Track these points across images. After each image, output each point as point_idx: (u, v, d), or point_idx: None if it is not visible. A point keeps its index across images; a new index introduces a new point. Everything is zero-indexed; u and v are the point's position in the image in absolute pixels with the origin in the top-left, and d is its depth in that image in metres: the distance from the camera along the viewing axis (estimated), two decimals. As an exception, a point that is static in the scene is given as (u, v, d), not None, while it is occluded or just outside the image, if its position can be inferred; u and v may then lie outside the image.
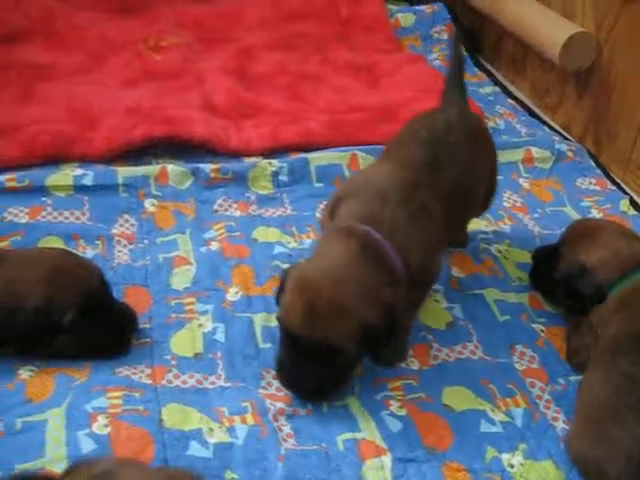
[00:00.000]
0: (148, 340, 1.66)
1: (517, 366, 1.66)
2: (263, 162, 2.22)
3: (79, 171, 2.12)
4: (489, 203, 1.95)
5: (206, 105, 2.47)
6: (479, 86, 2.88)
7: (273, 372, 1.56)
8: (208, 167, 2.17)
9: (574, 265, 1.71)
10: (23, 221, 1.95)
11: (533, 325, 1.78)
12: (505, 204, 2.20)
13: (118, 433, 1.40)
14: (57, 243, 1.88)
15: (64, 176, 2.09)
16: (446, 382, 1.60)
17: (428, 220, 1.57)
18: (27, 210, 1.99)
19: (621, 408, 1.42)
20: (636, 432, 1.37)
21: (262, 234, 1.99)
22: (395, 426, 1.49)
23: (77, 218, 1.99)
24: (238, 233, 1.98)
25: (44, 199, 2.03)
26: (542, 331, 1.76)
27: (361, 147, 2.29)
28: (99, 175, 2.10)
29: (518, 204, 2.21)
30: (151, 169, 2.15)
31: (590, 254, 1.70)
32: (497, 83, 2.94)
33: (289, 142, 2.34)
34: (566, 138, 2.57)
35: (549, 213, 2.19)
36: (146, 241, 1.95)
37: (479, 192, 1.81)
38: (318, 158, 2.25)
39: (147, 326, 1.69)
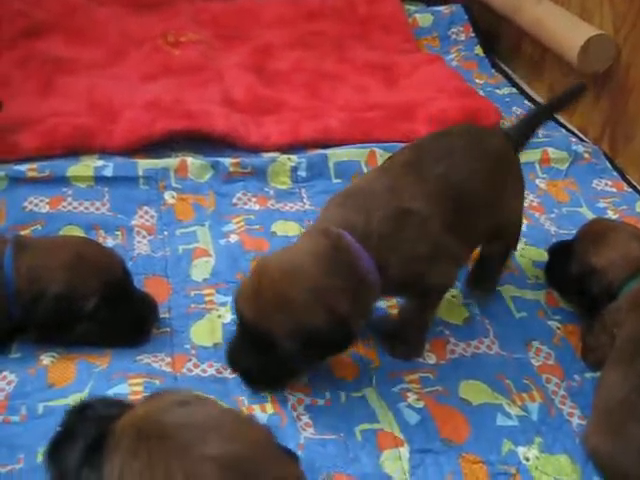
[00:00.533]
0: (168, 329, 1.67)
1: (533, 362, 1.67)
2: (282, 157, 2.24)
3: (100, 162, 2.14)
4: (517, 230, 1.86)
5: (225, 100, 2.49)
6: (496, 87, 2.88)
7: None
8: (227, 161, 2.19)
9: (585, 264, 1.74)
10: (44, 211, 1.98)
11: (549, 322, 1.79)
12: (522, 203, 2.20)
13: (139, 419, 1.42)
14: (77, 233, 1.90)
15: (85, 167, 2.11)
16: (462, 376, 1.61)
17: (412, 225, 1.52)
18: (48, 200, 2.01)
19: (639, 406, 1.43)
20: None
21: (281, 228, 2.00)
22: (412, 418, 1.50)
23: (97, 209, 2.01)
24: (257, 226, 2.00)
25: (65, 189, 2.05)
26: (558, 328, 1.77)
27: (380, 144, 2.30)
28: (119, 167, 2.12)
29: (535, 204, 2.22)
30: (171, 162, 2.17)
31: (600, 255, 1.72)
32: (514, 85, 2.94)
33: (308, 138, 2.36)
34: (583, 140, 2.58)
35: (565, 213, 2.20)
36: (166, 232, 1.96)
37: (494, 204, 1.68)
38: (337, 154, 2.26)
39: (167, 316, 1.70)
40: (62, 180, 2.07)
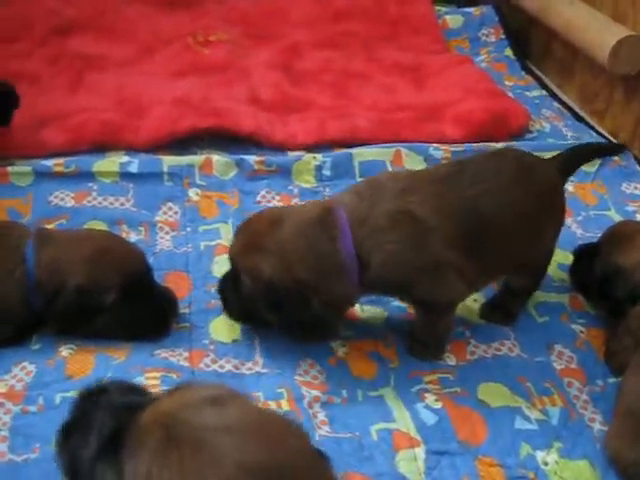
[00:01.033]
0: (187, 325, 1.68)
1: (555, 365, 1.65)
2: (307, 156, 2.23)
3: (125, 158, 2.15)
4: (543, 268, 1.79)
5: (252, 99, 2.49)
6: (525, 89, 2.85)
7: (310, 360, 1.58)
8: (252, 159, 2.19)
9: (609, 266, 1.71)
10: (69, 205, 2.00)
11: (573, 326, 1.76)
12: (549, 206, 2.17)
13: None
14: (101, 228, 1.91)
15: (110, 163, 2.13)
16: (482, 378, 1.59)
17: (408, 230, 1.49)
18: (73, 195, 2.03)
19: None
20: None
21: (304, 226, 2.00)
22: (430, 418, 1.49)
23: (121, 204, 2.02)
24: (280, 224, 1.99)
25: (90, 184, 2.07)
26: (582, 332, 1.74)
27: (405, 144, 2.29)
28: (144, 163, 2.14)
29: (562, 206, 2.19)
30: (196, 159, 2.18)
31: (626, 257, 1.69)
32: (544, 87, 2.91)
33: (335, 137, 2.35)
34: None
35: (592, 216, 2.16)
36: (189, 229, 1.97)
37: (525, 237, 1.63)
38: (362, 154, 2.25)
39: (186, 311, 1.71)
40: (88, 175, 2.09)
